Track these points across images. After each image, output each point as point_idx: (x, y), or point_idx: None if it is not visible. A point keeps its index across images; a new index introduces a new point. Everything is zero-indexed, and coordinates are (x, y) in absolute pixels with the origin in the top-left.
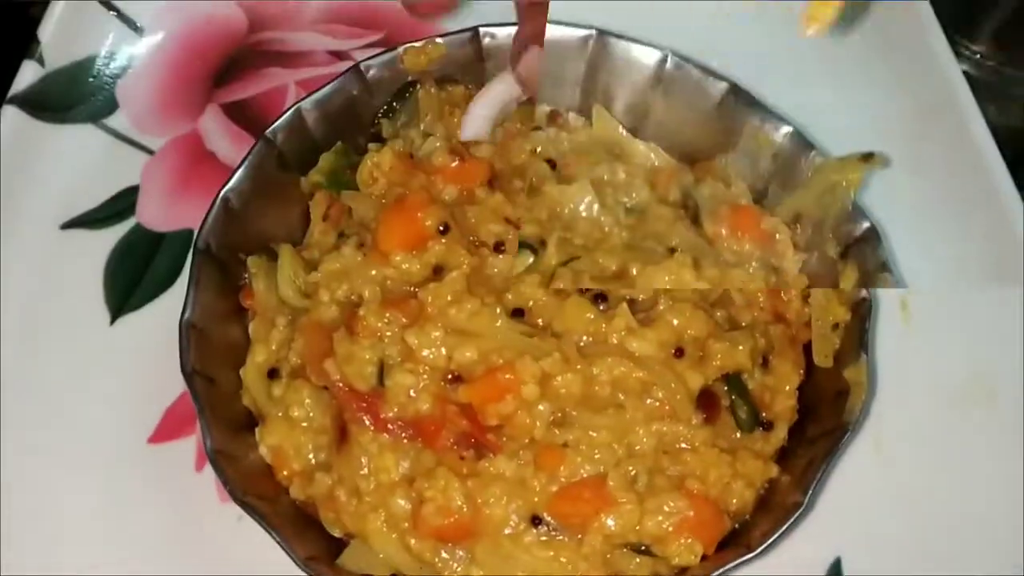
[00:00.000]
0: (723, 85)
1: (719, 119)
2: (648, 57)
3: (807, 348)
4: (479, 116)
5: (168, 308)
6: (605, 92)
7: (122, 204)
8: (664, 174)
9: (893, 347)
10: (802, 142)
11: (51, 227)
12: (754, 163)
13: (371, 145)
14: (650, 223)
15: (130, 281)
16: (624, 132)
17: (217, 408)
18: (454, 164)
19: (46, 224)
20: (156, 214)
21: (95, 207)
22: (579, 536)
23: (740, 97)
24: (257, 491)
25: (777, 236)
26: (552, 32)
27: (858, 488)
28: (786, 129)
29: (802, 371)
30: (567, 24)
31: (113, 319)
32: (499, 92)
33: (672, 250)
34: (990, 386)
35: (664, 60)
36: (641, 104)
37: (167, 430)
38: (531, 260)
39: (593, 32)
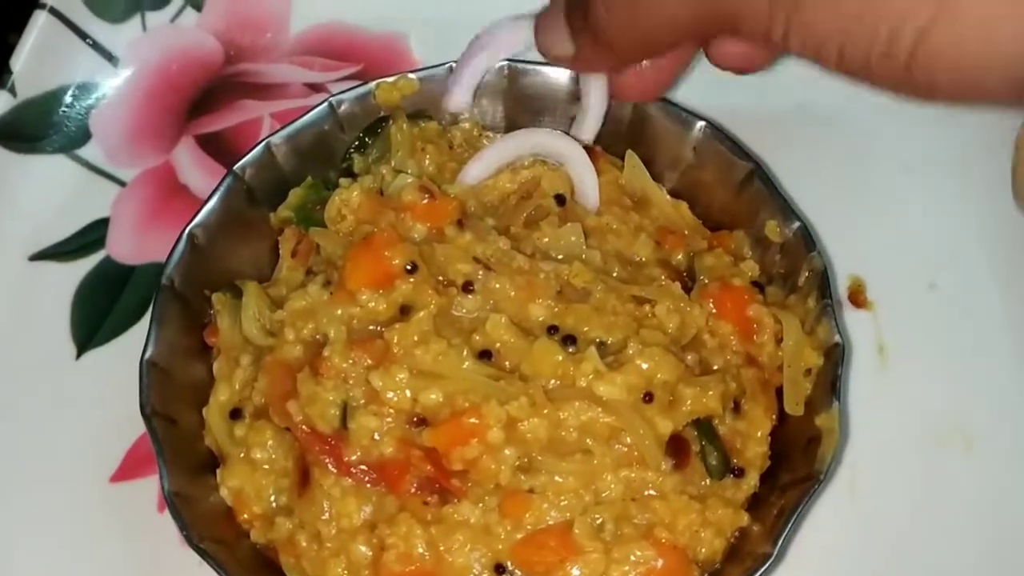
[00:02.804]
0: (747, 166)
1: (742, 196)
2: (686, 124)
3: (779, 392)
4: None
5: (136, 343)
6: (647, 144)
7: (92, 236)
8: (673, 235)
9: (870, 392)
10: (807, 240)
11: (19, 258)
12: (764, 249)
13: (342, 180)
14: (641, 280)
15: (98, 315)
16: (652, 183)
17: (178, 449)
18: (424, 201)
19: (14, 255)
20: (126, 247)
21: (64, 239)
22: None
23: (761, 180)
24: (217, 535)
25: (761, 324)
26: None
27: (833, 536)
28: (796, 225)
29: (774, 416)
30: None
31: (79, 353)
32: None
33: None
34: (967, 433)
35: (700, 129)
36: (679, 161)
37: (129, 469)
38: None
39: None
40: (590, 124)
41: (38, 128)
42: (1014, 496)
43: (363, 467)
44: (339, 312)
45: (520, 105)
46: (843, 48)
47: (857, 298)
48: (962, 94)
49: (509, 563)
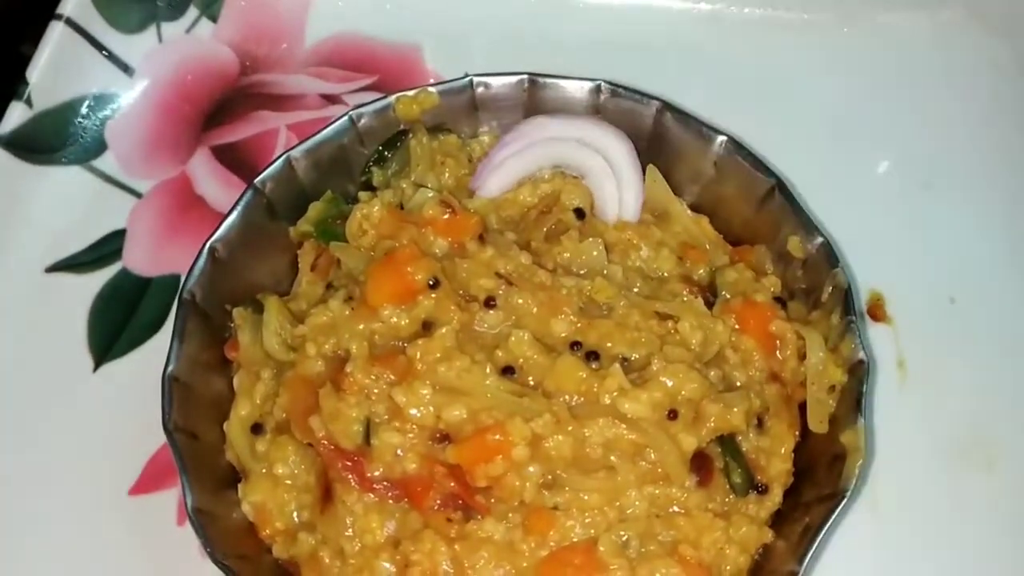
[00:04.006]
0: (769, 181)
1: (763, 211)
2: (707, 139)
3: (803, 408)
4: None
5: (153, 355)
6: (668, 158)
7: (108, 248)
8: (695, 250)
9: (890, 407)
10: (830, 256)
11: (36, 270)
12: (786, 265)
13: (361, 194)
14: (663, 296)
15: (115, 327)
16: (674, 197)
17: (200, 464)
18: (445, 216)
19: (31, 267)
20: (142, 259)
21: (81, 250)
22: None
23: (783, 195)
24: (238, 550)
25: (783, 340)
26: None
27: (854, 552)
28: (819, 240)
29: (798, 432)
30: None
31: (96, 366)
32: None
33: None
34: (989, 449)
35: (721, 144)
36: (700, 176)
37: (149, 481)
38: None
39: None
40: (630, 198)
41: (54, 139)
42: None
43: (386, 483)
44: (361, 327)
45: None
46: None
47: (877, 312)
48: None
49: None
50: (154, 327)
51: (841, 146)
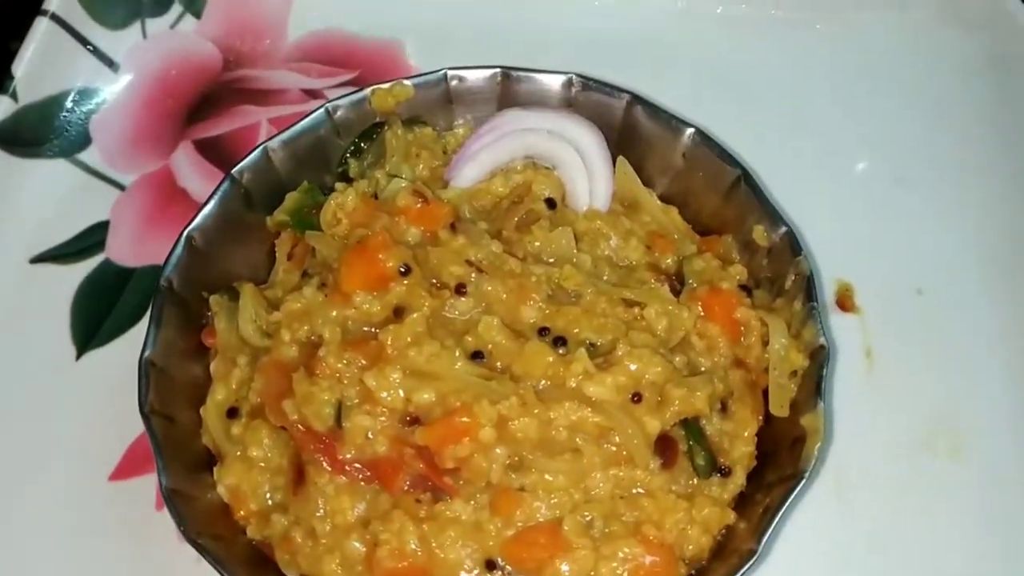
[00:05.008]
0: (735, 172)
1: (730, 201)
2: (676, 131)
3: (766, 392)
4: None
5: (135, 344)
6: (638, 150)
7: (92, 239)
8: (663, 239)
9: (856, 394)
10: (793, 245)
11: (20, 261)
12: (752, 254)
13: (338, 184)
14: (631, 284)
15: (97, 316)
16: (643, 188)
17: (176, 447)
18: (418, 205)
19: (15, 258)
20: (125, 250)
21: (64, 242)
22: None
23: (749, 185)
24: (213, 531)
25: (748, 326)
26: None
27: (819, 536)
28: (783, 229)
29: (761, 417)
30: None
31: (79, 354)
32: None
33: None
34: (954, 437)
35: (689, 136)
36: (670, 167)
37: (128, 467)
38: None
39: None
40: (600, 188)
41: (39, 133)
42: (1000, 500)
43: (357, 465)
44: (334, 314)
45: None
46: None
47: (845, 303)
48: None
49: (500, 559)
50: (136, 317)
51: (813, 140)
